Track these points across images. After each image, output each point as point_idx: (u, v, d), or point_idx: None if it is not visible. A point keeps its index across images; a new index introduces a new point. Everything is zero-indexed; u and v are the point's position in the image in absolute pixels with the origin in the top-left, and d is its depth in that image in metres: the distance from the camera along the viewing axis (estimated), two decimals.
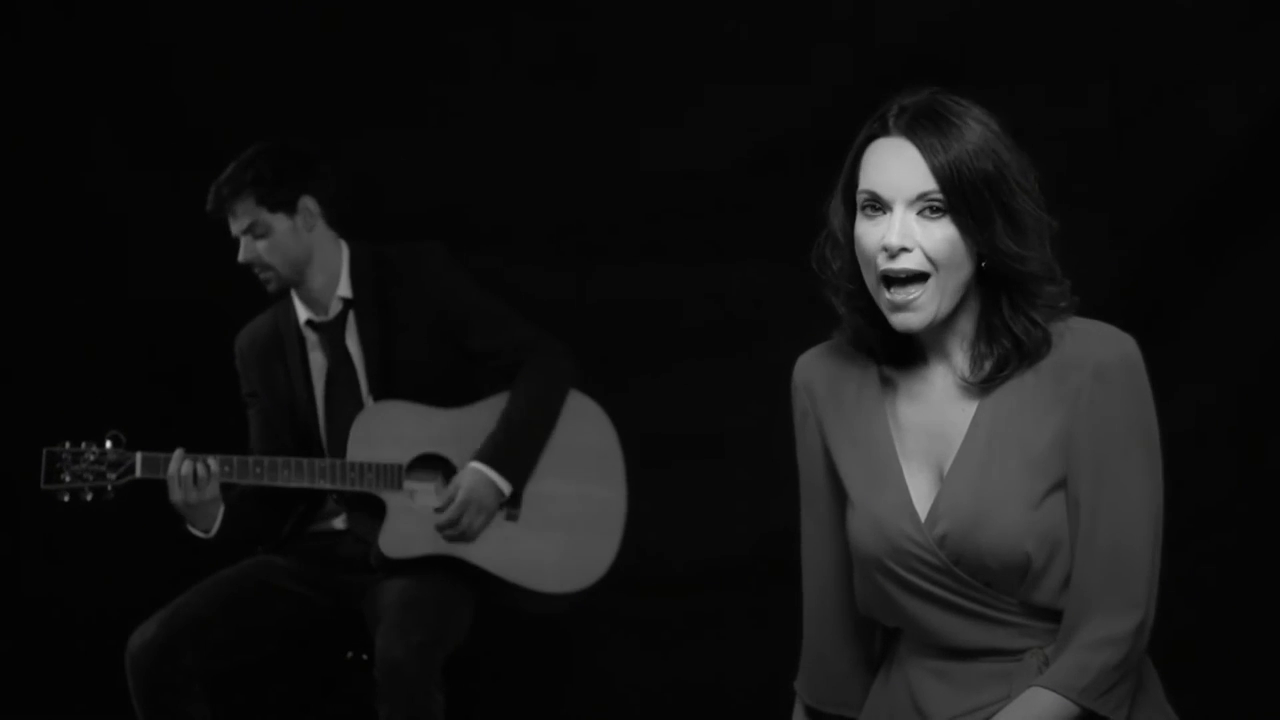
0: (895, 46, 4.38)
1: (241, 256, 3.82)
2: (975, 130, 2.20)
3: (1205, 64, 4.28)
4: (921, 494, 2.27)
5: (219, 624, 3.68)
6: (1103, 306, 4.10)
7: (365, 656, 3.77)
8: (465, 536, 3.75)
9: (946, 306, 2.21)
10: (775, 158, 4.39)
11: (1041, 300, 2.22)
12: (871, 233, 2.21)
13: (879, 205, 2.20)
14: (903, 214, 2.19)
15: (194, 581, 3.75)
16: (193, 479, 3.63)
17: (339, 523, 3.88)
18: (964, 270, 2.20)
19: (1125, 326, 2.28)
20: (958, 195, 2.17)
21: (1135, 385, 2.23)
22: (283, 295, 3.89)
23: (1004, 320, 2.22)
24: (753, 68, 4.49)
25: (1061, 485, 2.23)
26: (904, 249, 2.18)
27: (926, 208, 2.19)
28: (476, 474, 3.76)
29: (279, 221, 3.80)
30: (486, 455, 3.78)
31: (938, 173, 2.17)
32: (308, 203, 3.83)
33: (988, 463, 2.23)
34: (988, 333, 2.24)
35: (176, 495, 3.65)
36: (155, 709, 3.61)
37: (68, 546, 4.60)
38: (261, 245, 3.80)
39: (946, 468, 2.26)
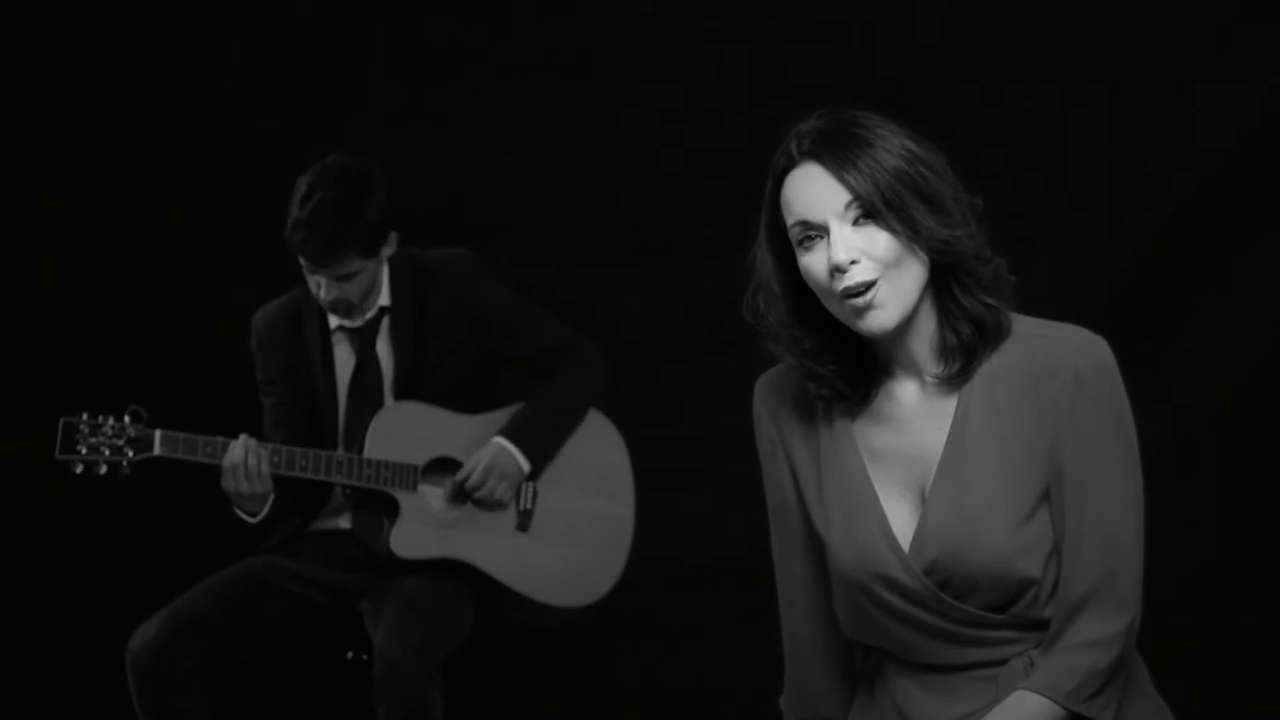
0: (894, 49, 4.37)
1: (326, 296, 3.73)
2: (874, 132, 2.19)
3: (1204, 64, 4.28)
4: (903, 519, 2.25)
5: (219, 624, 3.67)
6: (1103, 306, 4.15)
7: (365, 657, 3.77)
8: (493, 503, 3.76)
9: (909, 302, 2.19)
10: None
11: (985, 278, 2.21)
12: (817, 260, 2.19)
13: (814, 230, 2.19)
14: (839, 229, 2.17)
15: (194, 581, 3.75)
16: (243, 470, 3.59)
17: (343, 522, 3.86)
18: (913, 266, 2.18)
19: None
20: (877, 198, 2.16)
21: (1113, 390, 2.23)
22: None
23: (958, 304, 2.21)
24: (751, 67, 4.49)
25: (1046, 496, 2.23)
26: (853, 261, 2.16)
27: (857, 216, 2.17)
28: (498, 447, 3.78)
29: (370, 264, 3.76)
30: (509, 431, 3.80)
31: (852, 182, 2.16)
32: (389, 239, 3.80)
33: (968, 483, 2.22)
34: (949, 322, 2.23)
35: (229, 484, 3.62)
36: (155, 709, 3.60)
37: (67, 546, 4.60)
38: (350, 286, 3.74)
39: (927, 490, 2.25)
